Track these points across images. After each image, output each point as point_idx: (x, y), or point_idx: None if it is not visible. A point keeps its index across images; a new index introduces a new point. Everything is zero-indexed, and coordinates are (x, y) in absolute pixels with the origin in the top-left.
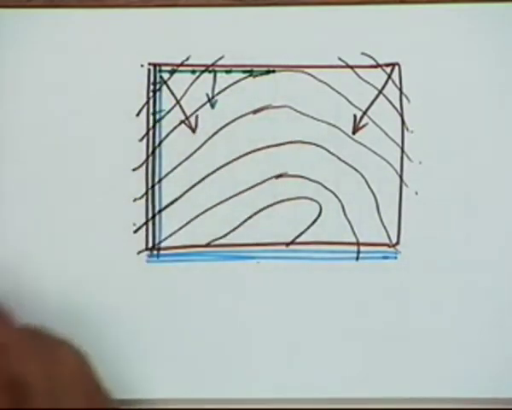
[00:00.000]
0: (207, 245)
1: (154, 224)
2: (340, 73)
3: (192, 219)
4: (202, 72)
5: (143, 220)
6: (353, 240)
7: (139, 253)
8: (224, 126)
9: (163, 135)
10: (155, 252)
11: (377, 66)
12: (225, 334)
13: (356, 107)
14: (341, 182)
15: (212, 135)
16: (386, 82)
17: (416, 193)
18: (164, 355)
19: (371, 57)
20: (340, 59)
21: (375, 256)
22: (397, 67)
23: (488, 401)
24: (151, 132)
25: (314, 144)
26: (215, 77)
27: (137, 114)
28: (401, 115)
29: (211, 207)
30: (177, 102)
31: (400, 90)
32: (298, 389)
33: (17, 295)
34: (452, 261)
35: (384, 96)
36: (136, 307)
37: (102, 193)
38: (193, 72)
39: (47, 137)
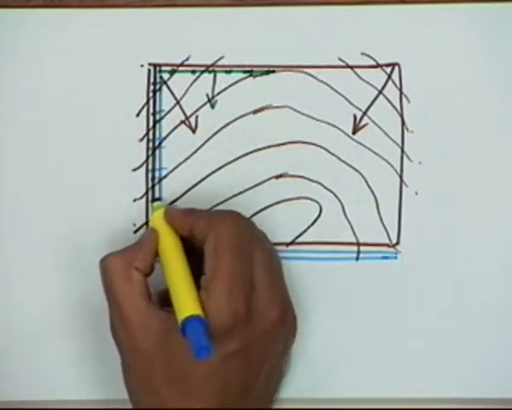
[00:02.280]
0: None
1: None
2: (340, 73)
3: None
4: (202, 72)
5: (143, 220)
6: (353, 240)
7: None
8: (224, 126)
9: (163, 135)
10: None
11: (377, 66)
12: None
13: (356, 107)
14: (341, 182)
15: (212, 135)
16: (386, 82)
17: (416, 193)
18: None
19: (371, 57)
20: (340, 59)
21: (375, 256)
22: (397, 67)
23: (488, 401)
24: (151, 133)
25: (314, 144)
26: (215, 77)
27: (137, 115)
28: (401, 115)
29: (211, 207)
30: (177, 102)
31: (400, 90)
32: (299, 388)
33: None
34: (452, 261)
35: (384, 96)
36: None
37: (102, 193)
38: (193, 72)
39: (47, 137)
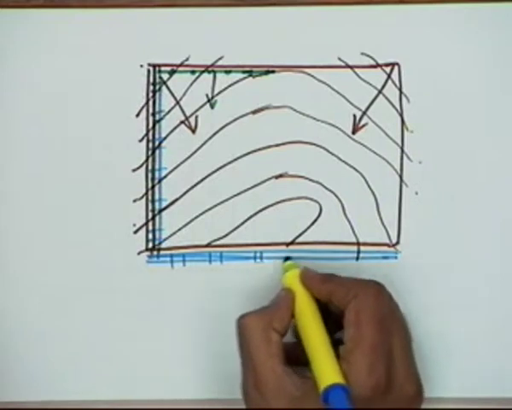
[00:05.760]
0: (207, 245)
1: (154, 224)
2: (339, 73)
3: (192, 219)
4: (202, 72)
5: (143, 221)
6: (353, 240)
7: (139, 253)
8: (223, 127)
9: (163, 135)
10: (155, 252)
11: (377, 66)
12: (225, 333)
13: (356, 107)
14: (341, 182)
15: (212, 135)
16: (386, 82)
17: (416, 193)
18: (163, 355)
19: (371, 57)
20: (339, 59)
21: (375, 256)
22: (396, 67)
23: (488, 401)
24: (151, 133)
25: (314, 144)
26: (215, 77)
27: (137, 115)
28: (401, 115)
29: (211, 207)
30: (177, 102)
31: (400, 90)
32: None
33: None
34: (452, 261)
35: (384, 95)
36: (137, 308)
37: (102, 193)
38: (192, 72)
39: (47, 138)
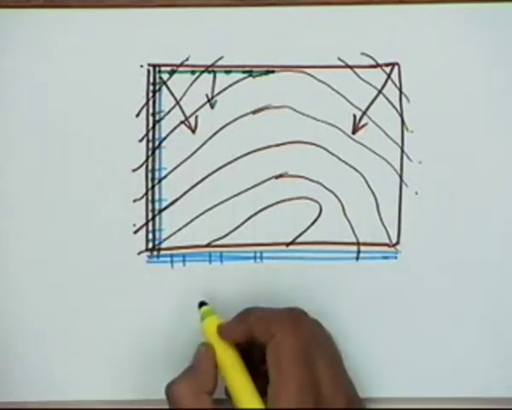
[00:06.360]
0: (207, 245)
1: (154, 224)
2: (339, 73)
3: (192, 219)
4: (202, 72)
5: (143, 221)
6: (353, 240)
7: (139, 253)
8: (223, 127)
9: (163, 135)
10: (155, 252)
11: (377, 66)
12: None
13: (356, 107)
14: (341, 182)
15: (212, 135)
16: (386, 82)
17: (416, 193)
18: (163, 355)
19: (371, 57)
20: (339, 59)
21: (375, 256)
22: (396, 67)
23: (488, 401)
24: (151, 133)
25: (314, 144)
26: (215, 77)
27: (137, 115)
28: (401, 115)
29: (211, 207)
30: (177, 102)
31: (400, 89)
32: None
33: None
34: (452, 261)
35: (384, 95)
36: (137, 308)
37: (102, 193)
38: (192, 72)
39: (46, 138)
